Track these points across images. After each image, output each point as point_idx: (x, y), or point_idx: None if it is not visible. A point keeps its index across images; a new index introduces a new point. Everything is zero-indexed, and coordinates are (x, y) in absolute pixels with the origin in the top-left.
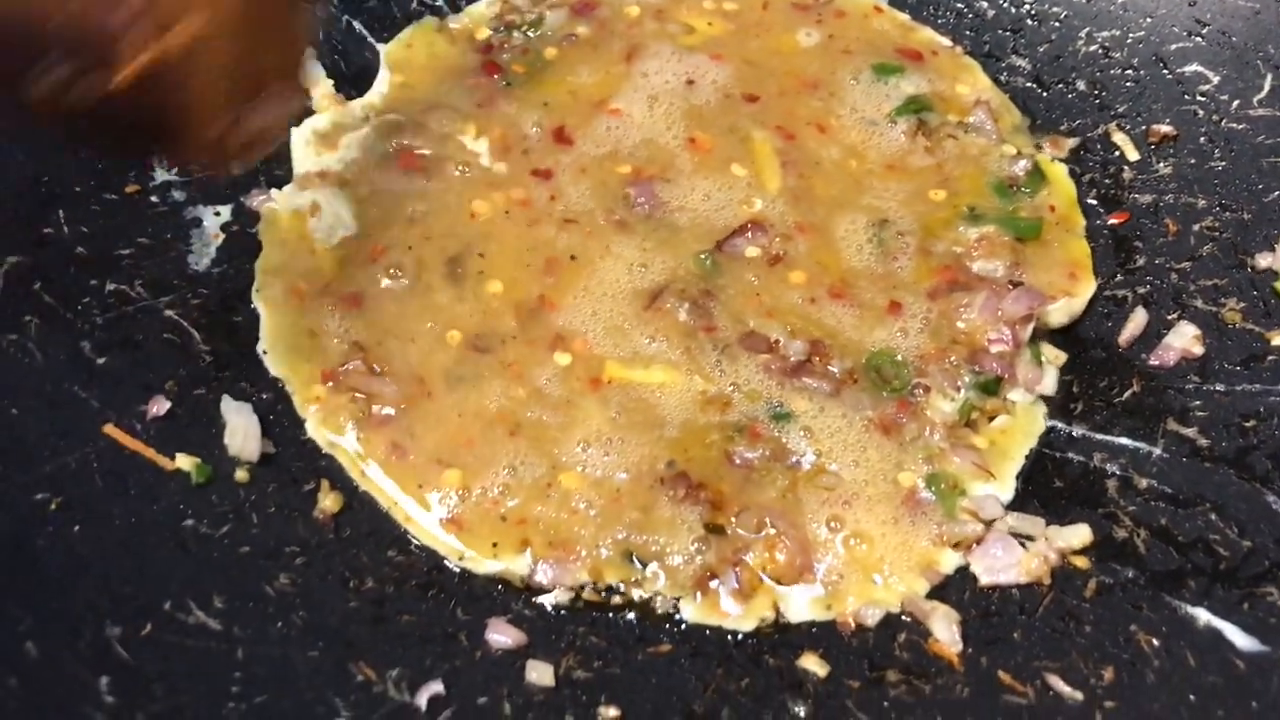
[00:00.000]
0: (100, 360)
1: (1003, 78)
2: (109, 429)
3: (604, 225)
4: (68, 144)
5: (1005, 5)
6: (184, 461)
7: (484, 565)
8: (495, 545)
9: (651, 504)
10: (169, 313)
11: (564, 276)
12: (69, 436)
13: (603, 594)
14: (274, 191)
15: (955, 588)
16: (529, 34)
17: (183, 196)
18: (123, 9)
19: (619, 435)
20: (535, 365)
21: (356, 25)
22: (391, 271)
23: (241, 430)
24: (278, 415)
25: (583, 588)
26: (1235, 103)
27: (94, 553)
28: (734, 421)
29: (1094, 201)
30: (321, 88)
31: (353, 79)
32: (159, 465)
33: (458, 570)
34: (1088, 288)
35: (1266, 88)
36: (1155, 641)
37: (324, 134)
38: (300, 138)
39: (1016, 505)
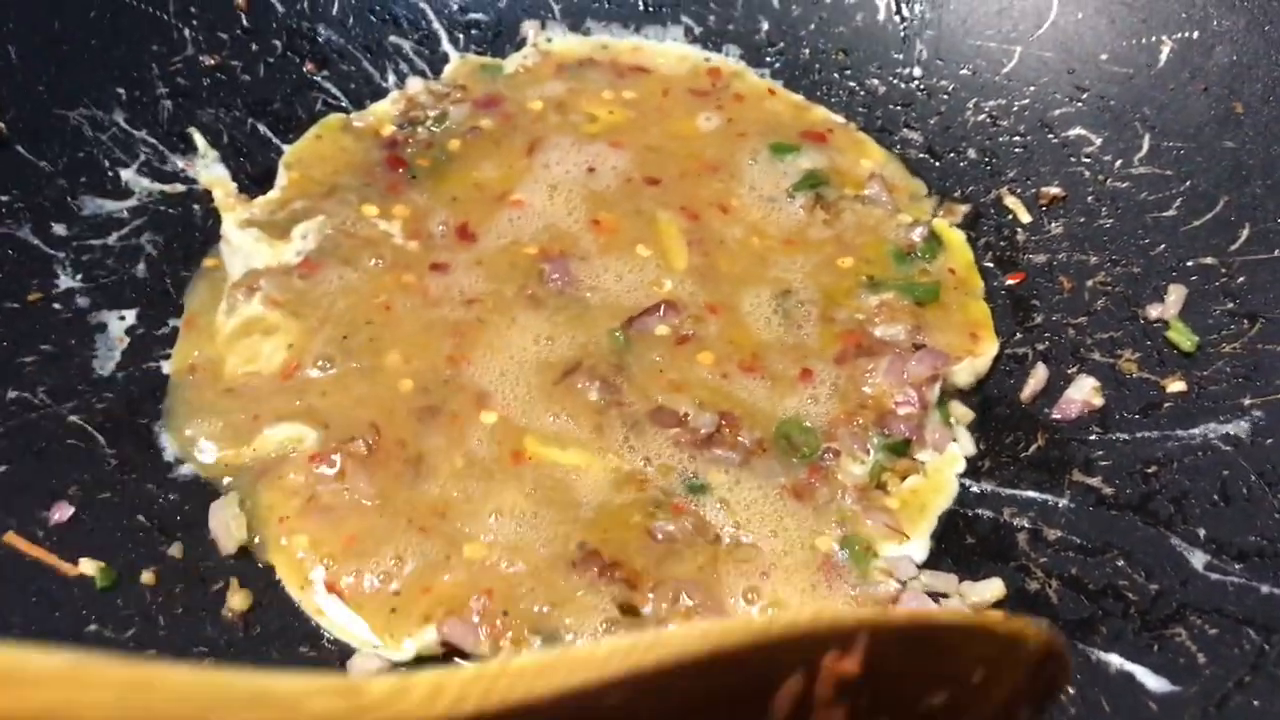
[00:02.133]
0: (1, 469)
1: (896, 150)
2: (9, 537)
3: (513, 299)
4: None
5: (895, 81)
6: (88, 566)
7: (398, 653)
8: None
9: (561, 585)
10: (73, 418)
11: (471, 346)
12: None
13: None
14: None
15: None
16: (433, 129)
17: (87, 303)
18: None
19: (533, 510)
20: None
21: (261, 128)
22: (320, 364)
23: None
24: (184, 516)
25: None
26: (1118, 162)
27: None
28: (652, 497)
29: (991, 264)
30: (224, 188)
31: (258, 179)
32: (62, 572)
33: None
34: (990, 347)
35: (1145, 147)
36: (1070, 690)
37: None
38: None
39: (931, 563)
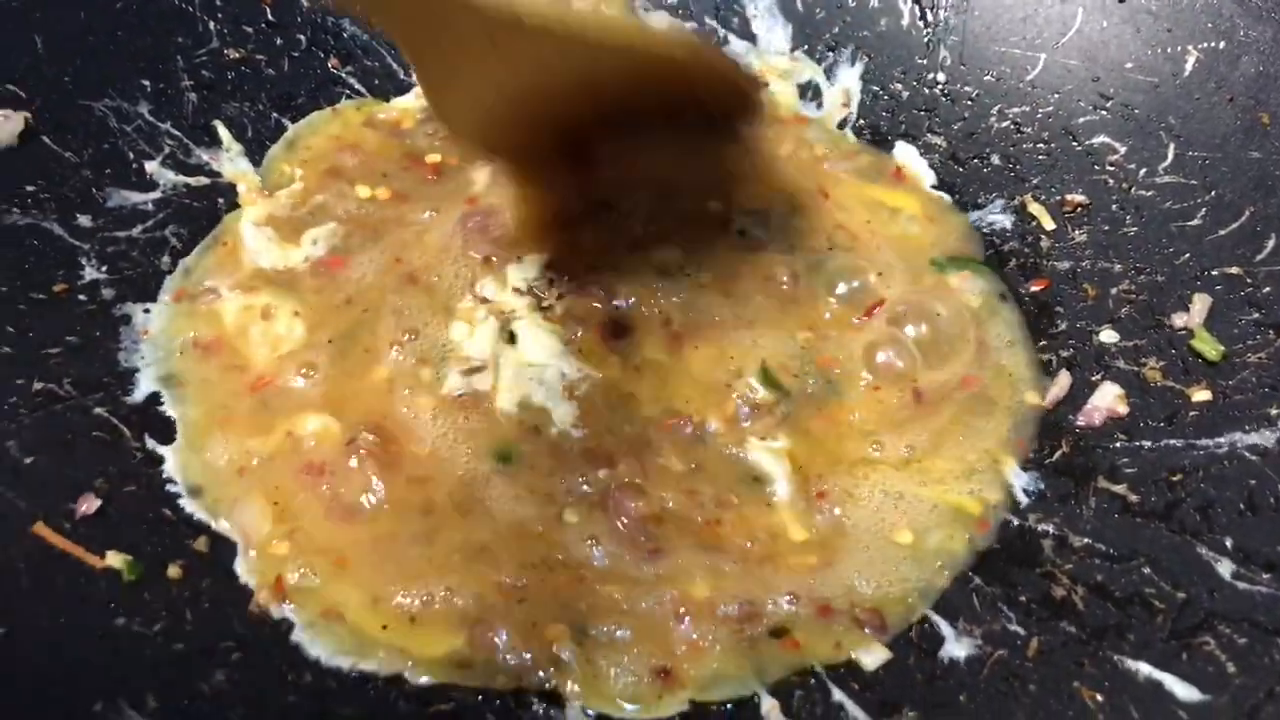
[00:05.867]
0: (28, 460)
1: (920, 155)
2: (37, 529)
3: None
4: None
5: (918, 86)
6: (115, 559)
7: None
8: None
9: None
10: (99, 410)
11: None
12: None
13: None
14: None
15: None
16: None
17: (111, 294)
18: None
19: None
20: None
21: (285, 122)
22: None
23: None
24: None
25: None
26: (1142, 171)
27: (19, 656)
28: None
29: (1015, 270)
30: (247, 182)
31: None
32: (89, 564)
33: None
34: None
35: (1170, 156)
36: (1099, 696)
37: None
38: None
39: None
